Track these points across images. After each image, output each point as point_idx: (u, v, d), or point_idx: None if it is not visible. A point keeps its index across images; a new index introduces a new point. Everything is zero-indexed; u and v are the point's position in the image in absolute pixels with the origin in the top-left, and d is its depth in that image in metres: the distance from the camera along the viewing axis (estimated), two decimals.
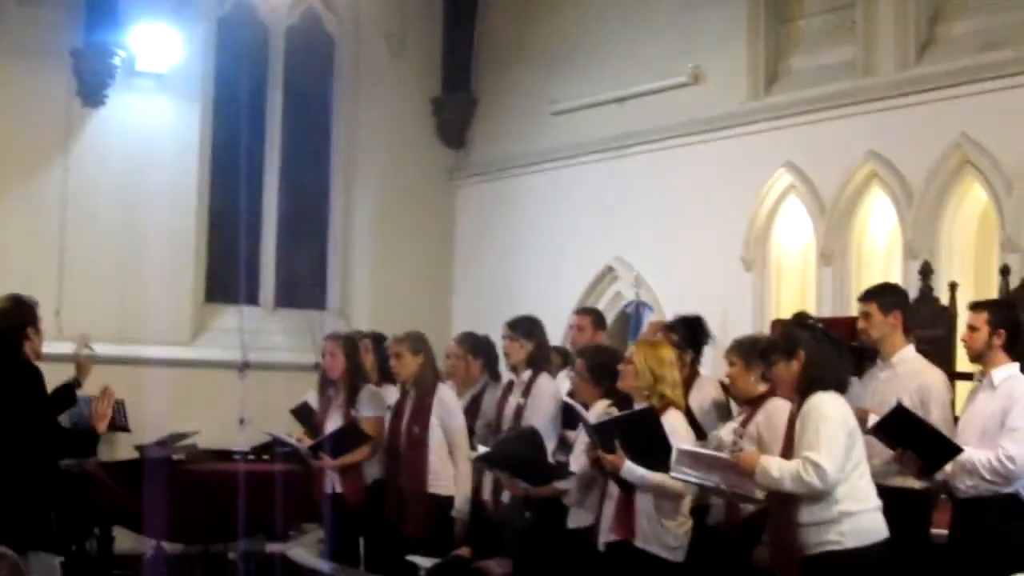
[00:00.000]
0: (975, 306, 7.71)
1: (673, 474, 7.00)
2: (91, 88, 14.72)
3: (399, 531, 9.21)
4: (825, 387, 6.76)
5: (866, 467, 6.83)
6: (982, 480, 7.14)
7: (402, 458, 9.30)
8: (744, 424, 7.67)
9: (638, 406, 7.69)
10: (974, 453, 7.13)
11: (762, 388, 7.73)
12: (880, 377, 7.78)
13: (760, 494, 6.92)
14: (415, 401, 9.32)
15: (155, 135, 15.10)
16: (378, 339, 10.41)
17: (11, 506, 7.59)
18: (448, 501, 9.18)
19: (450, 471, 9.16)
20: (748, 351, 7.89)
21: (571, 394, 8.76)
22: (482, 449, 8.78)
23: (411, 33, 16.85)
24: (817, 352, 6.85)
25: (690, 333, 8.68)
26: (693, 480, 7.02)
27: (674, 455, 6.99)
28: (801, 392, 6.82)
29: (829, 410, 6.69)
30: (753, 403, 7.78)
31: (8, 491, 7.64)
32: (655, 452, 7.18)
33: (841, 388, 6.87)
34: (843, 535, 6.62)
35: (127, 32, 14.69)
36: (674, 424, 7.48)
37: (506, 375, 10.00)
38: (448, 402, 9.36)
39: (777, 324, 10.61)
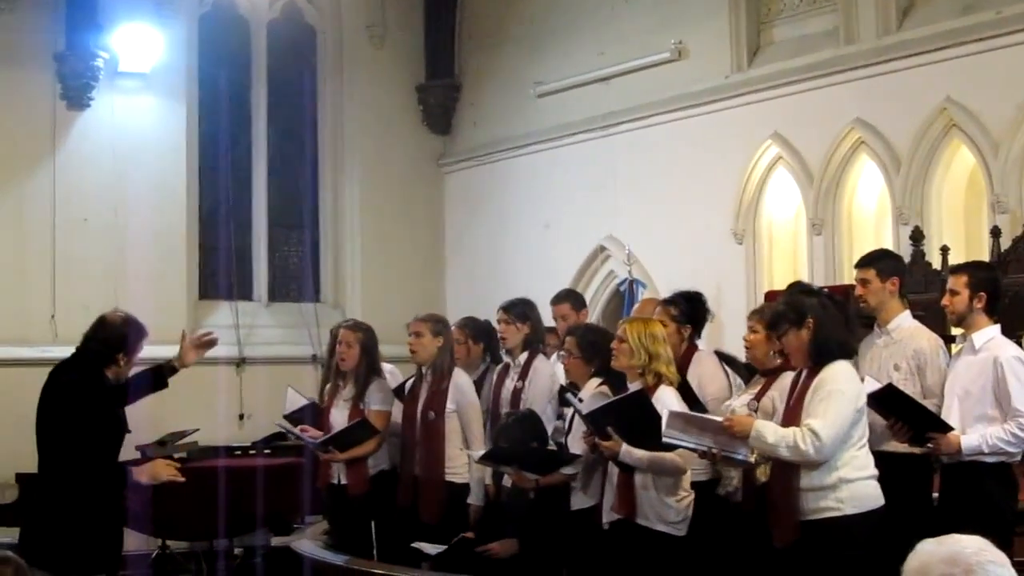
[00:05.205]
0: (954, 270, 7.73)
1: (665, 438, 6.98)
2: (75, 91, 14.72)
3: (413, 517, 9.16)
4: (835, 355, 6.77)
5: (867, 440, 6.85)
6: (1009, 454, 7.18)
7: (418, 444, 9.23)
8: (758, 397, 7.64)
9: (631, 385, 7.69)
10: (989, 434, 7.12)
11: (778, 362, 7.69)
12: (877, 344, 7.77)
13: (751, 458, 6.92)
14: (431, 385, 9.22)
15: (141, 135, 15.10)
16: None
17: (58, 526, 7.39)
18: (463, 488, 9.10)
19: (465, 458, 9.09)
20: None
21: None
22: (482, 450, 8.74)
23: (392, 22, 16.85)
24: (825, 318, 6.85)
25: (691, 308, 8.64)
26: (684, 444, 7.01)
27: (665, 418, 6.97)
28: (814, 359, 6.83)
29: (844, 384, 6.71)
30: (768, 375, 7.75)
31: (58, 511, 7.42)
32: (650, 432, 7.17)
33: (849, 354, 6.90)
34: (841, 502, 6.65)
35: (109, 34, 14.69)
36: (667, 401, 7.45)
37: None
38: (464, 387, 9.21)
39: (772, 295, 10.63)
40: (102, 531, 7.49)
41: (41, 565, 6.99)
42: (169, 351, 13.90)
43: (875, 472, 6.81)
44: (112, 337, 7.73)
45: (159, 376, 8.29)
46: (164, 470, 7.75)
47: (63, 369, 7.70)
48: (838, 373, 6.74)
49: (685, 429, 6.94)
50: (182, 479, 7.80)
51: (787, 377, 7.38)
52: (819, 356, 6.80)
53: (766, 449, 6.72)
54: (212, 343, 8.71)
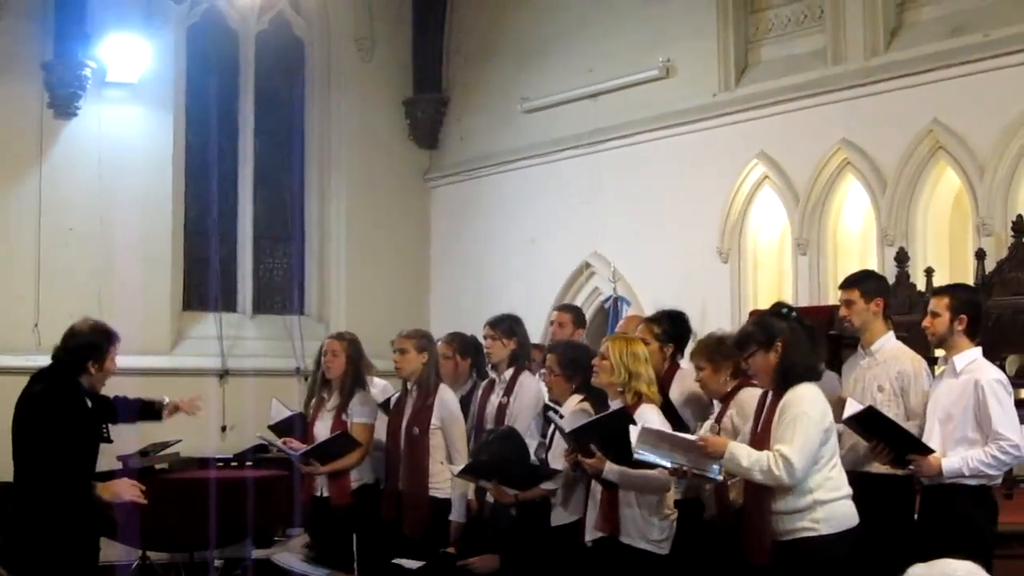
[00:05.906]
0: (936, 292, 7.77)
1: (636, 454, 6.96)
2: (63, 100, 14.67)
3: (396, 531, 9.15)
4: (802, 377, 6.78)
5: (839, 459, 6.85)
6: (990, 476, 7.19)
7: (402, 459, 9.23)
8: (719, 420, 7.68)
9: (612, 403, 7.69)
10: (970, 457, 7.12)
11: (732, 384, 7.75)
12: (861, 365, 7.77)
13: (721, 476, 6.92)
14: (416, 401, 9.24)
15: (128, 145, 15.06)
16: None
17: (35, 534, 7.35)
18: (446, 504, 9.11)
19: (448, 474, 9.08)
20: (713, 352, 7.87)
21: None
22: (461, 465, 8.72)
23: (381, 35, 16.85)
24: (794, 342, 6.86)
25: (673, 327, 8.67)
26: (654, 459, 6.99)
27: (637, 434, 6.96)
28: (779, 382, 6.83)
29: (808, 406, 6.68)
30: (725, 398, 7.79)
31: (33, 519, 7.39)
32: (631, 450, 7.17)
33: (816, 377, 6.90)
34: (817, 522, 6.64)
35: (97, 43, 14.64)
36: (649, 419, 7.45)
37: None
38: (449, 403, 9.22)
39: (755, 315, 10.63)
40: (78, 539, 7.46)
41: (20, 573, 6.98)
42: (153, 361, 13.92)
43: (849, 492, 6.81)
44: (80, 345, 7.72)
45: (149, 409, 8.45)
46: (127, 490, 7.72)
47: (36, 379, 7.69)
48: (801, 396, 6.72)
49: (657, 445, 6.93)
50: (144, 502, 7.74)
51: (745, 393, 7.45)
52: (785, 379, 6.80)
53: (740, 472, 6.72)
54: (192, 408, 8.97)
